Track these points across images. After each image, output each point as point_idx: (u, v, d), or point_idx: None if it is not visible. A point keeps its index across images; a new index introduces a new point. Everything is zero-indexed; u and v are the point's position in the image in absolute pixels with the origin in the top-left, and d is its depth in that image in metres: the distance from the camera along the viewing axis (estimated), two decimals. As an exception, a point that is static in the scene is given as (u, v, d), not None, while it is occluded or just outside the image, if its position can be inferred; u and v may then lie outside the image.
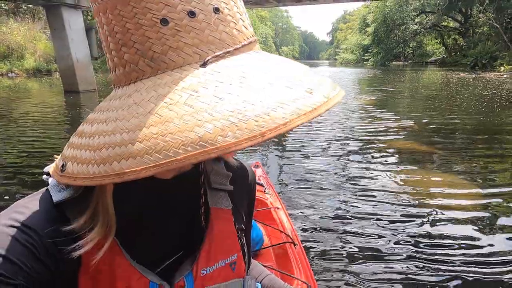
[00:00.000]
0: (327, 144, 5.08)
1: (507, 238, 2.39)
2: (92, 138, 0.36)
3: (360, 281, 1.97)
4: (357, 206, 2.95)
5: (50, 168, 0.43)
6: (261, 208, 1.91)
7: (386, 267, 2.09)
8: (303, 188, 3.40)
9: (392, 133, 5.65)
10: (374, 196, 3.14)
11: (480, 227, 2.55)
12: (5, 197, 3.20)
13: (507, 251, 2.22)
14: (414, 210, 2.83)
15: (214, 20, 0.37)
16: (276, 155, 4.69)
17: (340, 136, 5.60)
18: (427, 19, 34.78)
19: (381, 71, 27.02)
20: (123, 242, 0.44)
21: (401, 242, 2.36)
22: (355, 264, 2.13)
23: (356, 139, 5.39)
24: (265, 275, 0.74)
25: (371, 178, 3.63)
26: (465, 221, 2.64)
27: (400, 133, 5.69)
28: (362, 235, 2.47)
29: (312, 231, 2.55)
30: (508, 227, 2.55)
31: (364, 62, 46.41)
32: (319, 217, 2.76)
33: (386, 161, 4.20)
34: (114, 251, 0.43)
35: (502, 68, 20.38)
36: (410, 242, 2.35)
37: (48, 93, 12.86)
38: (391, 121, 6.62)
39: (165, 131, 0.31)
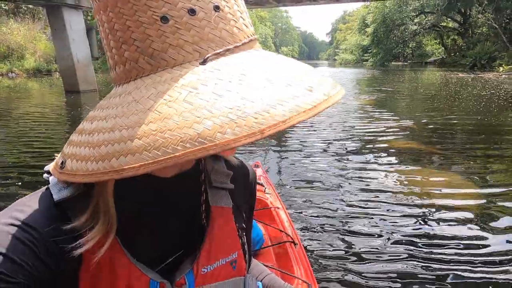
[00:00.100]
0: (327, 144, 5.11)
1: (506, 238, 2.40)
2: (92, 135, 0.36)
3: (360, 280, 1.99)
4: (357, 206, 2.96)
5: (50, 167, 0.44)
6: (261, 207, 1.92)
7: (386, 266, 2.11)
8: (303, 188, 3.40)
9: (391, 133, 5.69)
10: (374, 196, 3.16)
11: (479, 226, 2.56)
12: (6, 197, 3.21)
13: (506, 251, 2.23)
14: (413, 210, 2.85)
15: (214, 18, 0.37)
16: (276, 155, 4.71)
17: (340, 136, 5.63)
18: (426, 19, 34.86)
19: (381, 72, 27.07)
20: (123, 241, 0.44)
21: (400, 241, 2.38)
22: (355, 263, 2.15)
23: (356, 139, 5.42)
24: (265, 274, 0.75)
25: (371, 177, 3.66)
26: (464, 221, 2.66)
27: (400, 133, 5.72)
28: (362, 234, 2.49)
29: (312, 231, 2.57)
30: (507, 226, 2.56)
31: (364, 63, 46.44)
32: (319, 217, 2.78)
33: (385, 160, 4.24)
34: (115, 249, 0.43)
35: (501, 69, 20.43)
36: (410, 241, 2.37)
37: (48, 93, 12.89)
38: (390, 121, 6.66)
39: (164, 128, 0.31)
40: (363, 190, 3.33)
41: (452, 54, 32.74)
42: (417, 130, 5.95)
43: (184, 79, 0.34)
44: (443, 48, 36.10)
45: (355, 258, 2.20)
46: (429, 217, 2.74)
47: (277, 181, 3.63)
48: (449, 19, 33.42)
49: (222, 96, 0.32)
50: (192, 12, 0.36)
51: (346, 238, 2.44)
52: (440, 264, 2.11)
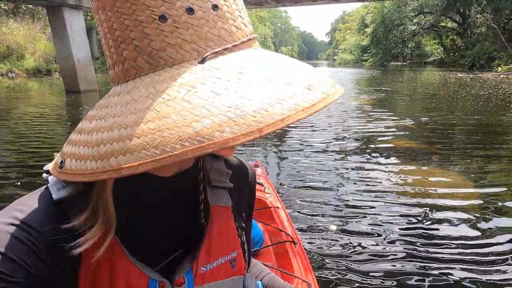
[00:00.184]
0: (327, 144, 5.13)
1: (505, 238, 2.40)
2: (91, 134, 0.36)
3: (361, 279, 2.00)
4: (356, 205, 2.98)
5: (49, 166, 0.44)
6: (261, 207, 1.91)
7: (386, 265, 2.12)
8: (303, 188, 3.41)
9: (390, 133, 5.72)
10: (374, 195, 3.17)
11: (478, 226, 2.57)
12: (6, 197, 3.21)
13: (505, 251, 2.24)
14: (413, 210, 2.86)
15: (213, 17, 0.37)
16: (276, 155, 4.72)
17: (339, 136, 5.66)
18: (425, 19, 34.93)
19: (380, 72, 27.06)
20: (123, 240, 0.44)
21: (400, 241, 2.39)
22: (355, 262, 2.16)
23: (355, 139, 5.45)
24: (265, 273, 0.75)
25: (370, 177, 3.68)
26: (462, 220, 2.66)
27: (399, 132, 5.76)
28: (362, 233, 2.51)
29: (312, 230, 2.58)
30: (506, 226, 2.57)
31: (363, 63, 46.47)
32: (319, 216, 2.79)
33: (385, 160, 4.25)
34: (114, 248, 0.43)
35: (500, 69, 20.49)
36: (410, 241, 2.39)
37: (49, 93, 12.90)
38: (389, 121, 6.70)
39: (162, 126, 0.31)
40: (362, 189, 3.34)
41: (451, 54, 32.81)
42: (416, 129, 5.99)
43: (183, 78, 0.34)
44: (442, 48, 36.15)
45: (355, 258, 2.21)
46: (429, 216, 2.75)
47: (277, 180, 3.64)
48: (448, 19, 33.47)
49: (221, 95, 0.32)
50: (190, 11, 0.36)
51: (346, 237, 2.46)
52: (440, 264, 2.12)
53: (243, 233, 0.58)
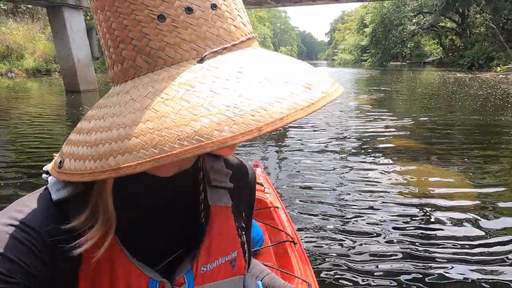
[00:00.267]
0: (326, 144, 5.14)
1: (504, 238, 2.42)
2: (89, 134, 0.36)
3: (361, 279, 2.01)
4: (356, 205, 2.99)
5: (49, 167, 0.44)
6: (261, 207, 1.91)
7: (386, 265, 2.13)
8: (303, 188, 3.42)
9: (390, 133, 5.75)
10: (373, 195, 3.19)
11: (477, 226, 2.59)
12: (6, 197, 3.21)
13: (505, 251, 2.25)
14: (412, 209, 2.87)
15: (212, 16, 0.37)
16: (275, 155, 4.73)
17: (339, 136, 5.69)
18: (424, 19, 34.98)
19: (379, 71, 27.09)
20: (123, 240, 0.44)
21: (400, 241, 2.40)
22: (355, 262, 2.17)
23: (355, 139, 5.47)
24: (265, 273, 0.75)
25: (370, 177, 3.69)
26: (462, 220, 2.65)
27: (398, 132, 5.78)
28: (362, 233, 2.51)
29: (312, 230, 2.59)
30: (504, 226, 2.59)
31: (362, 63, 46.50)
32: (319, 216, 2.80)
33: (384, 160, 4.27)
34: (114, 249, 0.43)
35: (499, 69, 20.53)
36: (410, 240, 2.40)
37: (49, 93, 12.91)
38: (388, 121, 6.73)
39: (161, 126, 0.31)
40: (362, 189, 3.35)
41: (450, 54, 32.88)
42: (415, 129, 6.02)
43: (181, 77, 0.34)
44: (441, 48, 36.23)
45: (355, 257, 2.22)
46: (428, 216, 2.75)
47: (277, 180, 3.65)
48: (447, 19, 33.52)
49: (220, 94, 0.32)
50: (189, 10, 0.36)
51: (346, 237, 2.47)
52: (440, 264, 2.13)
53: (243, 233, 0.58)
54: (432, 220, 2.71)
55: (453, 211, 2.83)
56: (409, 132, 5.80)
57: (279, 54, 0.41)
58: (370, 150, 4.75)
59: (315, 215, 2.82)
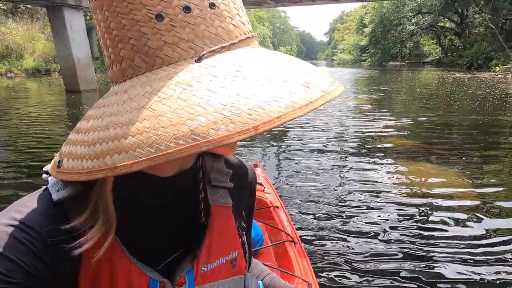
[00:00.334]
0: (326, 144, 5.16)
1: (503, 238, 2.43)
2: (87, 133, 0.36)
3: (361, 278, 2.02)
4: (356, 204, 3.00)
5: (49, 166, 0.44)
6: (261, 207, 1.91)
7: (386, 265, 2.14)
8: (302, 187, 3.43)
9: (389, 132, 5.78)
10: (373, 195, 3.20)
11: (475, 225, 2.60)
12: (5, 197, 3.23)
13: (504, 251, 2.26)
14: (412, 209, 2.89)
15: (210, 15, 0.37)
16: (275, 155, 4.74)
17: (338, 136, 5.71)
18: (423, 19, 35.05)
19: (379, 71, 27.12)
20: (123, 240, 0.44)
21: (400, 240, 2.41)
22: (355, 261, 2.18)
23: (354, 138, 5.50)
24: (266, 274, 0.74)
25: (370, 176, 3.71)
26: (461, 220, 2.67)
27: (397, 132, 5.81)
28: (362, 233, 2.53)
29: (311, 230, 2.59)
30: (503, 225, 2.60)
31: (362, 63, 46.53)
32: (319, 216, 2.81)
33: (383, 159, 4.29)
34: (115, 248, 0.43)
35: (497, 69, 20.57)
36: (409, 240, 2.41)
37: (48, 93, 12.91)
38: (387, 121, 6.76)
39: (157, 125, 0.31)
40: (361, 189, 3.37)
41: (449, 54, 32.95)
42: (415, 129, 6.05)
43: (179, 76, 0.34)
44: (440, 48, 36.30)
45: (354, 257, 2.23)
46: (428, 216, 2.77)
47: (276, 180, 3.66)
48: (446, 19, 33.59)
49: (217, 93, 0.32)
50: (187, 9, 0.36)
51: (346, 236, 2.48)
52: (439, 263, 2.15)
53: (244, 233, 0.58)
54: (431, 219, 2.73)
55: (452, 211, 2.85)
56: (408, 132, 5.83)
57: (279, 53, 0.41)
58: (369, 150, 4.77)
59: (314, 215, 2.83)
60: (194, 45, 0.36)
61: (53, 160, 0.42)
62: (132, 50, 0.37)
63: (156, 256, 0.47)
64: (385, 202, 3.06)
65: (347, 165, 4.14)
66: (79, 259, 0.41)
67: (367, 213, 2.85)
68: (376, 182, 3.55)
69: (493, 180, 3.55)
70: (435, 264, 2.14)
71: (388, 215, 2.79)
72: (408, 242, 2.39)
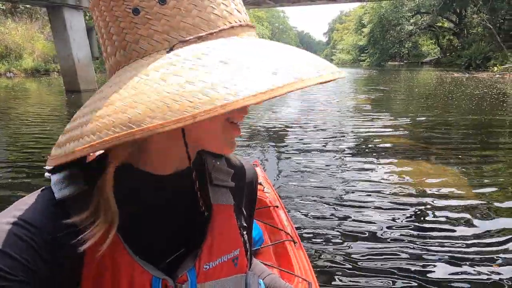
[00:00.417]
0: (325, 143, 5.18)
1: (503, 237, 2.43)
2: (69, 124, 0.39)
3: (360, 277, 2.02)
4: (355, 204, 3.00)
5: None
6: (260, 206, 1.89)
7: (386, 264, 2.14)
8: (302, 187, 3.43)
9: (388, 132, 5.81)
10: (372, 194, 3.21)
11: (475, 225, 2.61)
12: (5, 197, 3.23)
13: (502, 251, 2.26)
14: (412, 209, 2.89)
15: (187, 5, 0.37)
16: (274, 154, 4.75)
17: (337, 135, 5.74)
18: (422, 19, 35.15)
19: (377, 71, 27.21)
20: (125, 238, 0.44)
21: (399, 240, 2.40)
22: (355, 260, 2.17)
23: (353, 138, 5.52)
24: (266, 274, 0.74)
25: (369, 176, 3.72)
26: (460, 220, 2.68)
27: (396, 132, 5.84)
28: (361, 232, 2.53)
29: (311, 229, 2.59)
30: (501, 225, 2.60)
31: (360, 63, 46.66)
32: (318, 215, 2.81)
33: (383, 159, 4.30)
34: (117, 246, 0.43)
35: (496, 68, 20.65)
36: (409, 239, 2.41)
37: (48, 93, 12.93)
38: (386, 120, 6.80)
39: (104, 113, 0.32)
40: (361, 188, 3.38)
41: (448, 54, 33.07)
42: (413, 129, 6.08)
43: (143, 67, 0.35)
44: (438, 48, 36.42)
45: (354, 256, 2.23)
46: (426, 215, 2.78)
47: (276, 180, 3.67)
48: (444, 19, 33.69)
49: (167, 81, 0.32)
50: (162, 1, 0.36)
51: (346, 235, 2.49)
52: (438, 263, 2.15)
53: (245, 232, 0.58)
54: (430, 219, 2.74)
55: (450, 211, 2.86)
56: (406, 132, 5.86)
57: (272, 42, 0.39)
58: (368, 150, 4.80)
59: (314, 214, 2.83)
60: (168, 37, 0.36)
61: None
62: (114, 46, 0.38)
63: (158, 254, 0.47)
64: (384, 201, 3.07)
65: (346, 165, 4.16)
66: (81, 257, 0.41)
67: (366, 212, 2.85)
68: (375, 181, 3.56)
69: (491, 180, 3.56)
70: (435, 264, 2.15)
71: (387, 215, 2.80)
72: (407, 241, 2.40)
